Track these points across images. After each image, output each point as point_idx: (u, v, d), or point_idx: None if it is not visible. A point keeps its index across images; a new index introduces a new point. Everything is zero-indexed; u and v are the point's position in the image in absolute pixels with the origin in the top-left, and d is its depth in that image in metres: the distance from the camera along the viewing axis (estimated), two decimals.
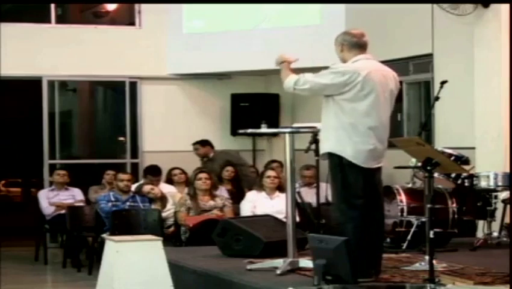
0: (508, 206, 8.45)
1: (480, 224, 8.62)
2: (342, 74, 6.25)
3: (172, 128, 13.30)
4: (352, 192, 6.24)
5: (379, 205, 6.46)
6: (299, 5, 12.54)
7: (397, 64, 11.40)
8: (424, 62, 10.96)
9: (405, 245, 8.01)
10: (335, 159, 6.26)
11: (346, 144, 6.22)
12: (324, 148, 6.37)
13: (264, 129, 6.93)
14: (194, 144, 12.52)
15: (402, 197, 8.31)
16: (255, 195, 9.60)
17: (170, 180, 11.51)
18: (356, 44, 6.41)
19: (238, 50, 12.73)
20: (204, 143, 12.54)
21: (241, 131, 7.39)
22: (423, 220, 7.24)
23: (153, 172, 11.34)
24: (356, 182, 6.23)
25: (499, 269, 6.54)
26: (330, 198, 8.14)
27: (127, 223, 9.79)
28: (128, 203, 10.21)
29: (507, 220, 8.45)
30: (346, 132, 6.23)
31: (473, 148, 9.38)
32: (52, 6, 13.07)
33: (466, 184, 8.28)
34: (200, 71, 13.29)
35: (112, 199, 10.18)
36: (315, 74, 6.38)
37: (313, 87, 6.37)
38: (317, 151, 6.98)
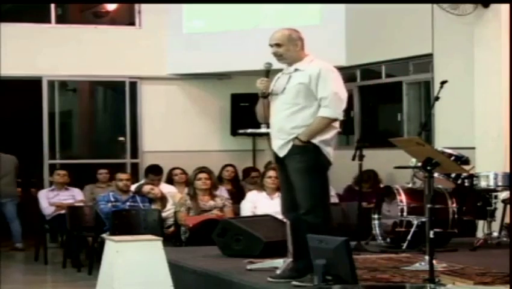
0: (508, 206, 8.45)
1: (480, 224, 8.62)
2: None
3: (172, 128, 13.30)
4: (326, 193, 6.23)
5: None
6: (299, 5, 12.54)
7: (397, 64, 11.45)
8: (424, 62, 10.96)
9: (405, 245, 8.01)
10: (322, 158, 6.12)
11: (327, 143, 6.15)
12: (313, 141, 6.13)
13: (264, 129, 6.93)
14: None
15: (402, 197, 8.30)
16: (256, 195, 9.57)
17: (170, 180, 11.52)
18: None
19: (238, 50, 12.72)
20: None
21: (241, 131, 7.40)
22: (423, 220, 7.24)
23: (155, 171, 11.38)
24: (328, 182, 6.24)
25: (499, 269, 6.54)
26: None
27: (127, 223, 9.78)
28: (127, 203, 10.21)
29: (507, 220, 8.45)
30: (330, 130, 6.14)
31: (473, 148, 9.39)
32: (52, 6, 13.08)
33: (466, 184, 8.28)
34: (200, 71, 13.29)
35: (112, 199, 10.18)
36: (330, 87, 6.08)
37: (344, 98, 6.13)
38: None
